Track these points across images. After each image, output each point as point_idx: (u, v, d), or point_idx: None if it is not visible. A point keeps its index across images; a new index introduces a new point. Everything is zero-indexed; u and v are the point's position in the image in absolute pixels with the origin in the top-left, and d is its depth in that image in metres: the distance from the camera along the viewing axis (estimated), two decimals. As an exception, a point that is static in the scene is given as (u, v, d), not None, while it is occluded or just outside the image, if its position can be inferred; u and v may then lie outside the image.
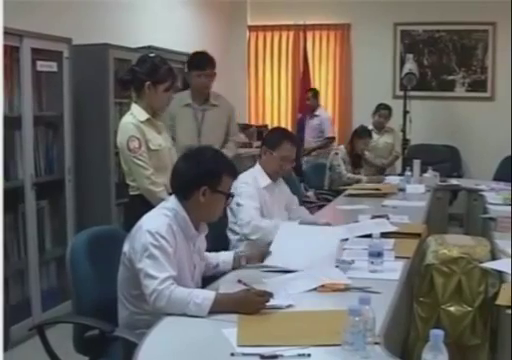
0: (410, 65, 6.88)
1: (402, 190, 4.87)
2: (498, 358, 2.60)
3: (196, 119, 3.91)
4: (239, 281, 2.29)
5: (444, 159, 6.98)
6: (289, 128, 6.64)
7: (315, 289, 2.24)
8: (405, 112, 6.79)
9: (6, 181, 3.31)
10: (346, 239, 2.99)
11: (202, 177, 2.20)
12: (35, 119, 3.63)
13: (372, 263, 2.47)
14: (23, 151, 3.55)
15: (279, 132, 3.40)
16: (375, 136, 6.01)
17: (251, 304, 1.98)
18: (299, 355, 1.66)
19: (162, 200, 2.45)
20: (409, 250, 2.83)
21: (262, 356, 1.65)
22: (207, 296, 1.98)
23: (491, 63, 7.27)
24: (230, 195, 2.32)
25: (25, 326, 3.23)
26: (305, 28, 7.78)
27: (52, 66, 3.80)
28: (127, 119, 3.13)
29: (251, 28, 7.97)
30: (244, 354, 1.67)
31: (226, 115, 4.01)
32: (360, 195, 4.63)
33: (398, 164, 6.74)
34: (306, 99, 7.06)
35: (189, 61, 3.98)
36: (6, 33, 3.17)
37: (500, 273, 2.54)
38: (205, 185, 2.19)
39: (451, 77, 7.43)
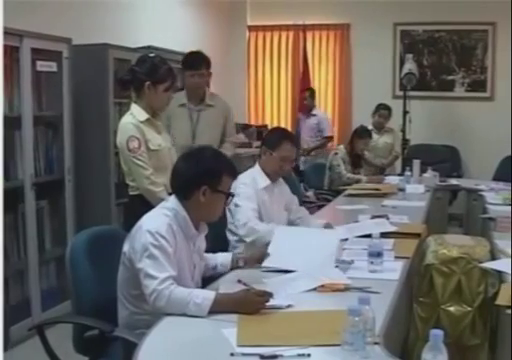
0: (410, 65, 6.88)
1: (402, 190, 4.88)
2: (498, 358, 2.60)
3: (191, 119, 3.89)
4: (239, 281, 2.29)
5: (444, 159, 6.98)
6: (289, 128, 6.65)
7: (315, 289, 2.24)
8: (405, 112, 6.79)
9: (6, 181, 3.31)
10: (346, 239, 2.99)
11: (202, 177, 2.20)
12: (35, 119, 3.63)
13: (372, 263, 2.47)
14: (23, 151, 3.54)
15: (279, 132, 3.38)
16: (375, 136, 6.01)
17: (251, 304, 1.98)
18: (299, 355, 1.66)
19: (162, 200, 2.45)
20: (409, 250, 2.83)
21: (262, 356, 1.65)
22: (207, 296, 1.98)
23: (491, 63, 7.27)
24: (230, 195, 2.32)
25: (25, 326, 3.23)
26: (305, 28, 7.78)
27: (52, 66, 3.80)
28: (127, 119, 3.13)
29: (251, 28, 7.97)
30: (244, 354, 1.67)
31: (222, 116, 3.98)
32: (360, 195, 4.63)
33: (398, 164, 6.75)
34: (303, 99, 7.06)
35: (183, 61, 3.95)
36: (6, 33, 3.17)
37: (500, 273, 2.55)
38: (205, 185, 2.19)
39: (451, 77, 7.44)
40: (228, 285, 2.24)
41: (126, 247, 2.17)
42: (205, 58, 3.89)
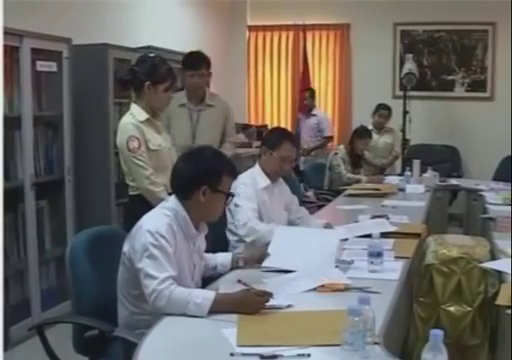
0: (410, 65, 6.88)
1: (402, 190, 4.88)
2: (498, 358, 2.60)
3: (191, 119, 3.88)
4: (239, 281, 2.29)
5: (444, 159, 6.98)
6: (289, 128, 6.65)
7: (315, 289, 2.24)
8: (405, 112, 6.79)
9: (6, 181, 3.31)
10: (346, 239, 2.99)
11: (202, 176, 2.20)
12: (35, 119, 3.63)
13: (372, 263, 2.47)
14: (23, 151, 3.54)
15: (279, 132, 3.38)
16: (375, 136, 6.01)
17: (251, 304, 1.98)
18: (299, 355, 1.66)
19: (162, 200, 2.45)
20: (409, 250, 2.83)
21: (262, 356, 1.65)
22: (207, 296, 1.98)
23: (491, 63, 7.27)
24: (230, 195, 2.32)
25: (25, 326, 3.23)
26: (305, 28, 7.78)
27: (52, 66, 3.80)
28: (127, 119, 3.13)
29: (251, 28, 7.98)
30: (244, 354, 1.67)
31: (222, 116, 3.97)
32: (360, 195, 4.63)
33: (398, 164, 6.75)
34: (303, 99, 7.05)
35: (183, 61, 3.94)
36: (6, 33, 3.17)
37: (500, 273, 2.55)
38: (205, 185, 2.19)
39: (451, 77, 7.44)
40: (228, 285, 2.24)
41: (126, 247, 2.17)
42: (205, 58, 3.89)
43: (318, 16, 7.67)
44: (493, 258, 2.73)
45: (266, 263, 2.49)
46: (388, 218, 3.50)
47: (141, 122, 3.09)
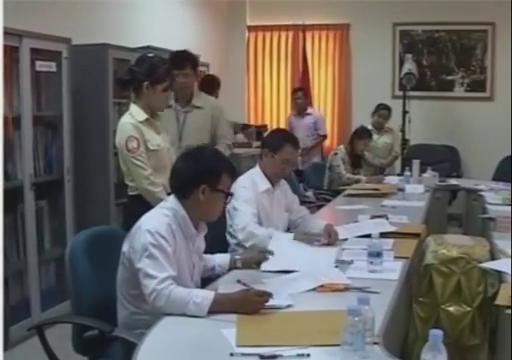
0: (409, 65, 6.88)
1: (401, 190, 4.88)
2: (497, 358, 2.60)
3: (178, 121, 3.77)
4: (238, 281, 2.29)
5: (443, 159, 6.98)
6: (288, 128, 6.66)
7: (314, 289, 2.24)
8: (404, 112, 6.78)
9: (5, 181, 3.30)
10: (346, 239, 2.99)
11: (201, 175, 2.20)
12: (34, 119, 3.62)
13: (371, 263, 2.47)
14: (22, 151, 3.54)
15: (280, 135, 3.31)
16: (374, 136, 6.00)
17: (250, 304, 1.98)
18: (298, 355, 1.66)
19: (161, 200, 2.44)
20: (408, 250, 2.83)
21: (261, 356, 1.65)
22: (206, 296, 1.98)
23: (490, 63, 7.27)
24: (229, 194, 2.32)
25: (24, 326, 3.23)
26: (304, 28, 7.77)
27: (51, 66, 3.80)
28: (126, 119, 3.13)
29: (250, 28, 7.97)
30: (243, 354, 1.67)
31: (211, 118, 3.83)
32: (359, 195, 4.63)
33: (397, 164, 6.75)
34: (297, 98, 6.99)
35: (169, 60, 3.72)
36: (6, 33, 3.17)
37: (499, 273, 2.55)
38: (204, 184, 2.19)
39: (450, 77, 7.43)
40: (227, 285, 2.24)
41: (125, 247, 2.17)
42: (190, 58, 3.78)
43: (318, 16, 7.66)
44: (493, 258, 2.73)
45: (264, 267, 2.49)
46: (388, 218, 3.50)
47: (140, 122, 3.09)
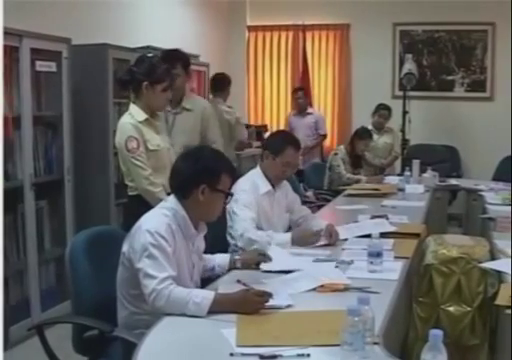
0: (409, 65, 6.88)
1: (401, 190, 4.88)
2: (497, 358, 2.60)
3: (167, 122, 3.66)
4: (238, 281, 2.29)
5: (443, 159, 6.98)
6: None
7: (314, 289, 2.24)
8: (404, 112, 6.79)
9: (5, 181, 3.30)
10: (346, 239, 2.99)
11: (201, 175, 2.20)
12: (34, 119, 3.62)
13: (371, 263, 2.47)
14: (22, 151, 3.54)
15: (282, 137, 3.27)
16: (374, 136, 6.00)
17: (250, 304, 1.98)
18: (298, 355, 1.66)
19: (160, 200, 2.44)
20: (408, 250, 2.83)
21: (261, 356, 1.65)
22: (206, 296, 1.98)
23: (490, 63, 7.27)
24: (229, 194, 2.32)
25: (24, 326, 3.22)
26: (304, 28, 7.77)
27: (51, 66, 3.79)
28: (125, 119, 3.13)
29: (250, 28, 7.97)
30: (243, 354, 1.67)
31: (200, 120, 3.73)
32: (359, 195, 4.63)
33: (397, 164, 6.75)
34: (298, 98, 6.98)
35: (160, 58, 3.55)
36: (6, 33, 3.16)
37: (499, 273, 2.55)
38: (204, 183, 2.19)
39: (450, 77, 7.43)
40: (227, 285, 2.24)
41: (125, 247, 2.17)
42: (182, 57, 3.70)
43: (318, 16, 7.66)
44: (493, 258, 2.73)
45: (264, 267, 2.49)
46: (388, 218, 3.50)
47: (140, 122, 3.09)
